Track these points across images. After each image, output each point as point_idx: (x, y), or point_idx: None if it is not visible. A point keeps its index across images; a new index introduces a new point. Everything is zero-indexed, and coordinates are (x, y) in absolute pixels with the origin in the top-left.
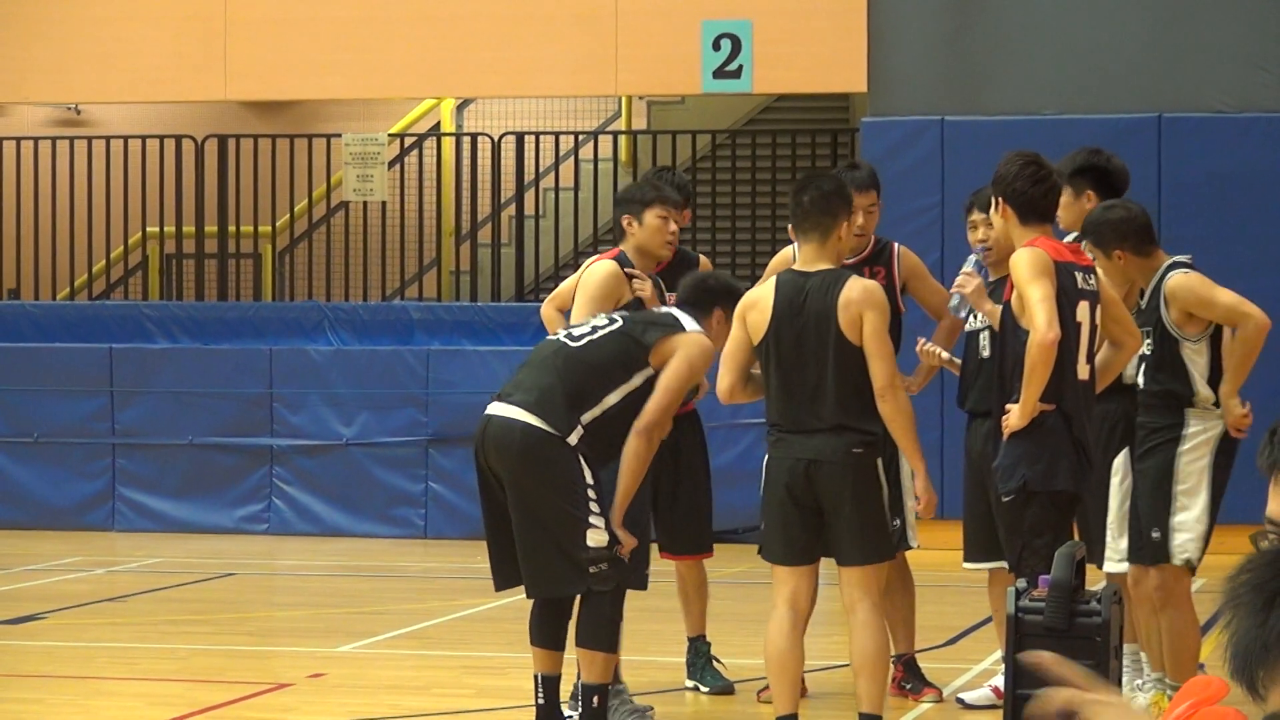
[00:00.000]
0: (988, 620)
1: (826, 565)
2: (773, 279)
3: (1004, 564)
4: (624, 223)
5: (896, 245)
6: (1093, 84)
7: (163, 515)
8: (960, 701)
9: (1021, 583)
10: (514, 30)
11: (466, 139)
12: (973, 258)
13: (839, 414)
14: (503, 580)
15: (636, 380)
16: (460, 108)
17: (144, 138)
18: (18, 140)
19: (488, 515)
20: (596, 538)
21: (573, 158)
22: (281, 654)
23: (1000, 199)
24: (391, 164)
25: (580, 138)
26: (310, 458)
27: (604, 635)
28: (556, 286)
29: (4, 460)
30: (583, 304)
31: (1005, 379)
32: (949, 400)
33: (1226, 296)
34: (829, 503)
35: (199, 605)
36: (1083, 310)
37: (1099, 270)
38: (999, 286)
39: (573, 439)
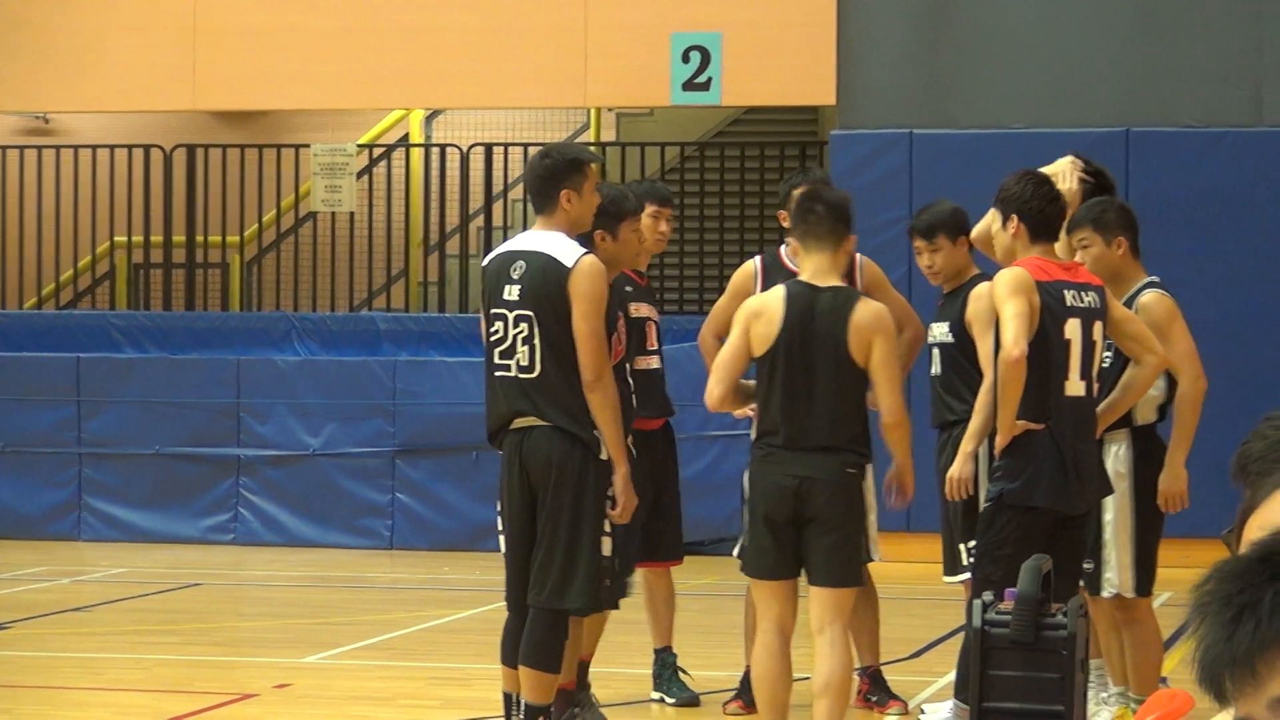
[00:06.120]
0: (953, 633)
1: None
2: (781, 288)
3: None
4: (596, 236)
5: (859, 256)
6: (1061, 98)
7: (129, 525)
8: (923, 713)
9: (988, 595)
10: (484, 42)
11: (435, 150)
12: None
13: (836, 434)
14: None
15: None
16: (429, 119)
17: (112, 147)
18: None
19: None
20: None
21: None
22: (247, 664)
23: (1014, 216)
24: (360, 174)
25: None
26: (277, 468)
27: (553, 655)
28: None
29: None
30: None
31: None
32: (913, 413)
33: (1182, 343)
34: (813, 521)
35: (165, 615)
36: (1072, 327)
37: (1107, 290)
38: (951, 300)
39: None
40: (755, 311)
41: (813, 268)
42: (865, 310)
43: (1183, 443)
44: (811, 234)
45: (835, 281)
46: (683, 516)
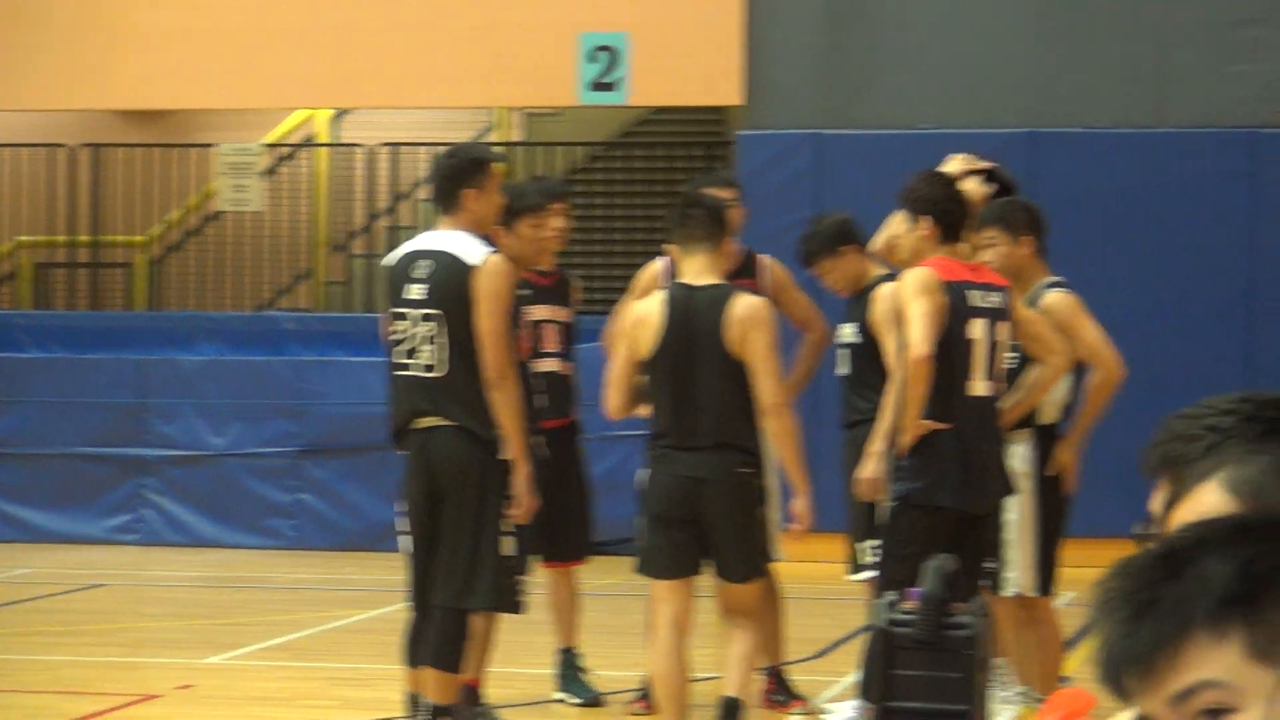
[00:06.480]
0: (857, 633)
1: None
2: (662, 293)
3: None
4: (496, 235)
5: (764, 257)
6: (968, 99)
7: (32, 525)
8: (826, 713)
9: (892, 595)
10: (391, 42)
11: (341, 149)
12: None
13: (724, 431)
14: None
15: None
16: (335, 118)
17: (17, 146)
18: None
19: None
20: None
21: None
22: (150, 665)
23: (926, 218)
24: (266, 174)
25: None
26: (182, 468)
27: (457, 656)
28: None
29: None
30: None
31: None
32: (820, 414)
33: (1091, 333)
34: (712, 520)
35: (68, 616)
36: (977, 327)
37: (1012, 291)
38: (857, 301)
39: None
40: (638, 319)
41: (692, 269)
42: (742, 304)
43: (1088, 425)
44: (691, 236)
45: (713, 280)
46: (590, 517)
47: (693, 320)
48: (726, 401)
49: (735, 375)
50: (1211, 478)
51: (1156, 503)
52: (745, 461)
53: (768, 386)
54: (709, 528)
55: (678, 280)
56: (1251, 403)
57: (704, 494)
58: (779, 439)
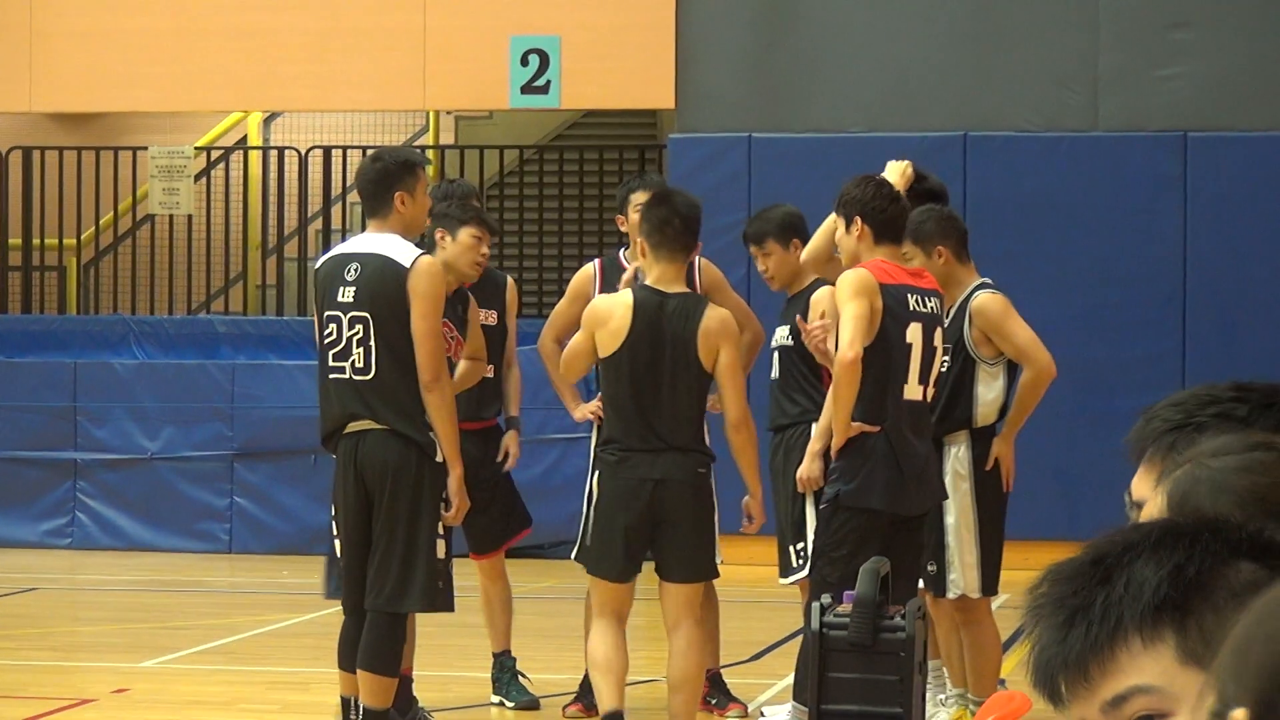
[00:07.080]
0: (792, 635)
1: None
2: (628, 293)
3: None
4: (437, 235)
5: (698, 259)
6: (900, 102)
7: None
8: (763, 716)
9: (826, 598)
10: (322, 44)
11: (273, 152)
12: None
13: (685, 435)
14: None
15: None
16: (267, 121)
17: None
18: None
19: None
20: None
21: None
22: (85, 669)
23: (858, 219)
24: (198, 177)
25: None
26: (115, 471)
27: (391, 659)
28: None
29: None
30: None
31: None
32: (754, 418)
33: (1022, 334)
34: (669, 521)
35: (1, 620)
36: (914, 331)
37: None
38: (793, 304)
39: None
40: (601, 318)
41: (661, 274)
42: (713, 316)
43: (1019, 423)
44: (666, 245)
45: (681, 288)
46: (512, 510)
47: (661, 327)
48: (687, 407)
49: (699, 382)
50: (1167, 476)
51: (1143, 487)
52: (703, 463)
53: (736, 400)
54: (669, 529)
55: (645, 284)
56: (1258, 391)
57: (665, 496)
58: (742, 450)
